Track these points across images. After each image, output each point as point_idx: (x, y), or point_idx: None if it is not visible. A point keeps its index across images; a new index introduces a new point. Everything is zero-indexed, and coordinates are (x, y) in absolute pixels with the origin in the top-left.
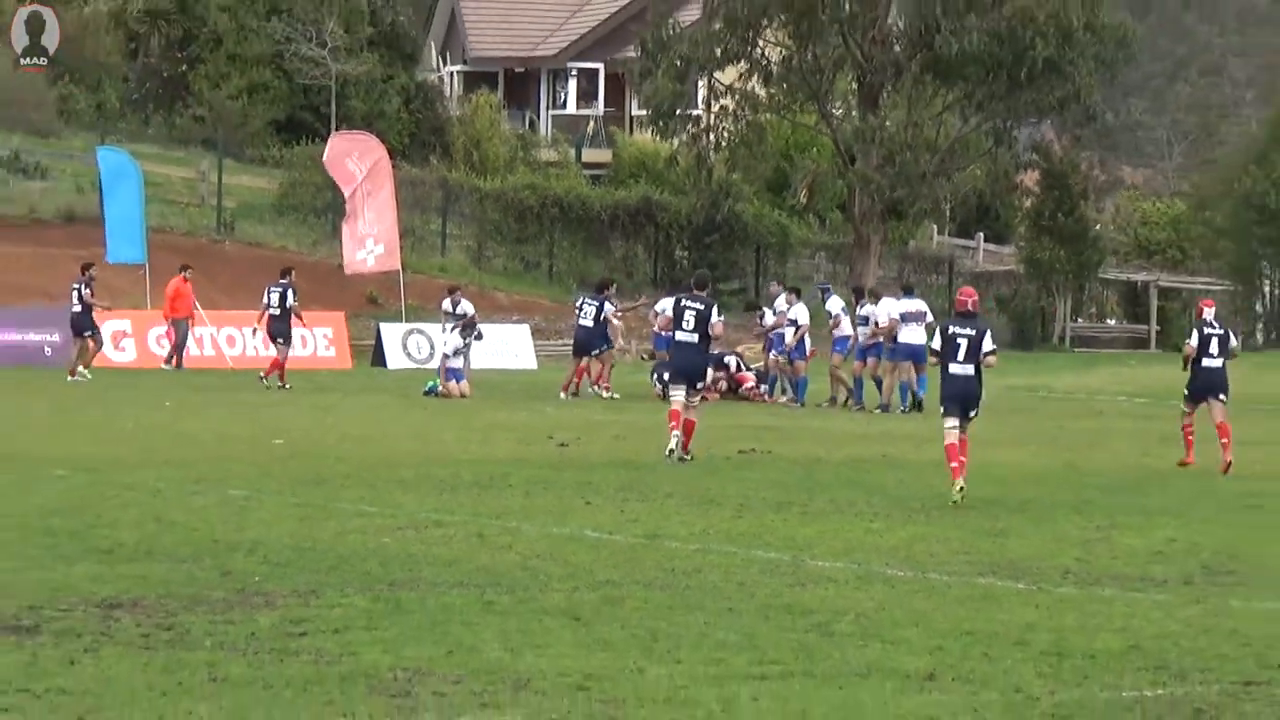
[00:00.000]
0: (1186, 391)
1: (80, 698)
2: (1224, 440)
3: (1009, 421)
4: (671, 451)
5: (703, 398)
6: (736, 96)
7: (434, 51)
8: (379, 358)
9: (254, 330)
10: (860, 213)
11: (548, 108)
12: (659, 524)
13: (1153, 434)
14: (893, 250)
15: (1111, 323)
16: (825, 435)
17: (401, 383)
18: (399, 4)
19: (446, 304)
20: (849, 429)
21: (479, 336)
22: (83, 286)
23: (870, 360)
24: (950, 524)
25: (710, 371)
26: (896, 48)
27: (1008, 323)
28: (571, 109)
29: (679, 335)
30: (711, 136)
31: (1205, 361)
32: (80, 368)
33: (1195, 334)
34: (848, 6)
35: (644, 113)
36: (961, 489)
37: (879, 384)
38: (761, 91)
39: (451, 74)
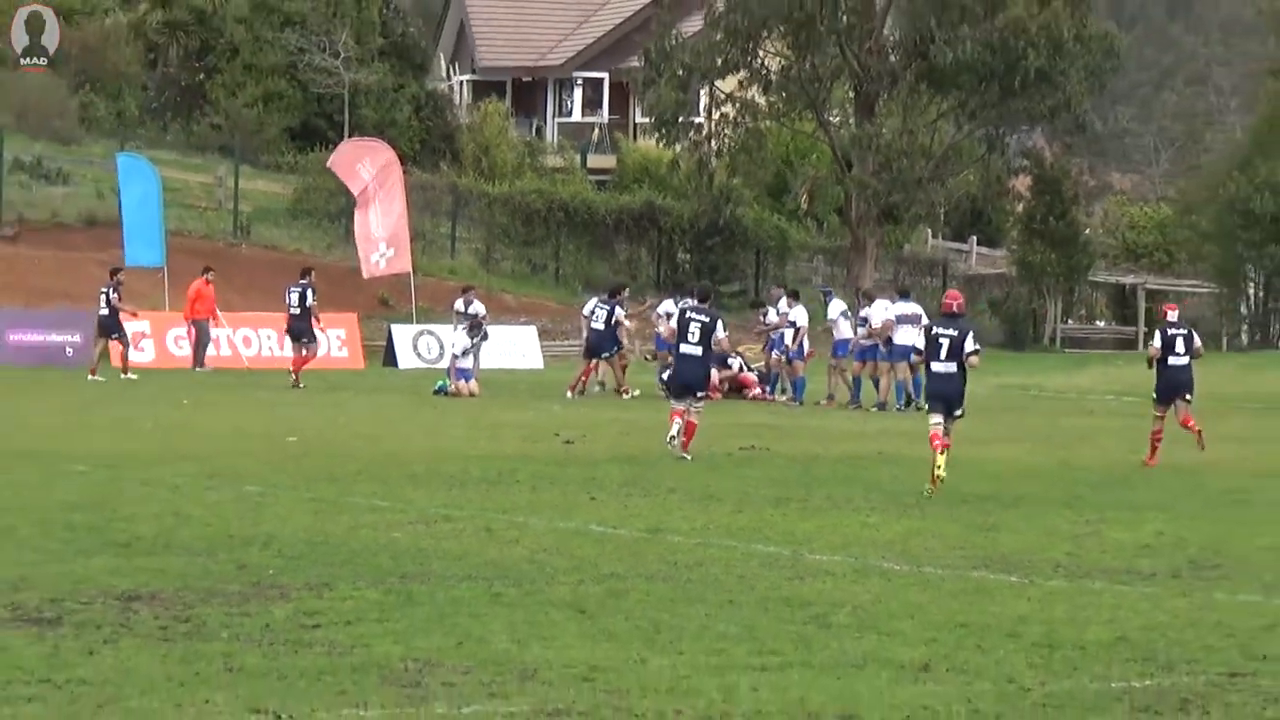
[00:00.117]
0: (1155, 394)
1: (100, 687)
2: (1195, 431)
3: (1002, 420)
4: (673, 438)
5: (706, 396)
6: (737, 105)
7: (444, 61)
8: (390, 358)
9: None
10: (857, 217)
11: (554, 115)
12: (661, 519)
13: (1141, 432)
14: (888, 253)
15: (1101, 324)
16: (823, 433)
17: (412, 382)
18: (409, 16)
19: (459, 304)
20: (846, 427)
21: (484, 337)
22: (111, 291)
23: (869, 362)
24: (944, 519)
25: (715, 372)
26: (892, 57)
27: (1000, 324)
28: (577, 117)
29: (684, 348)
30: (712, 143)
31: (1170, 360)
32: (94, 371)
33: (1158, 335)
34: (845, 18)
35: (647, 120)
36: (940, 468)
37: (876, 383)
38: (761, 100)
39: (461, 83)
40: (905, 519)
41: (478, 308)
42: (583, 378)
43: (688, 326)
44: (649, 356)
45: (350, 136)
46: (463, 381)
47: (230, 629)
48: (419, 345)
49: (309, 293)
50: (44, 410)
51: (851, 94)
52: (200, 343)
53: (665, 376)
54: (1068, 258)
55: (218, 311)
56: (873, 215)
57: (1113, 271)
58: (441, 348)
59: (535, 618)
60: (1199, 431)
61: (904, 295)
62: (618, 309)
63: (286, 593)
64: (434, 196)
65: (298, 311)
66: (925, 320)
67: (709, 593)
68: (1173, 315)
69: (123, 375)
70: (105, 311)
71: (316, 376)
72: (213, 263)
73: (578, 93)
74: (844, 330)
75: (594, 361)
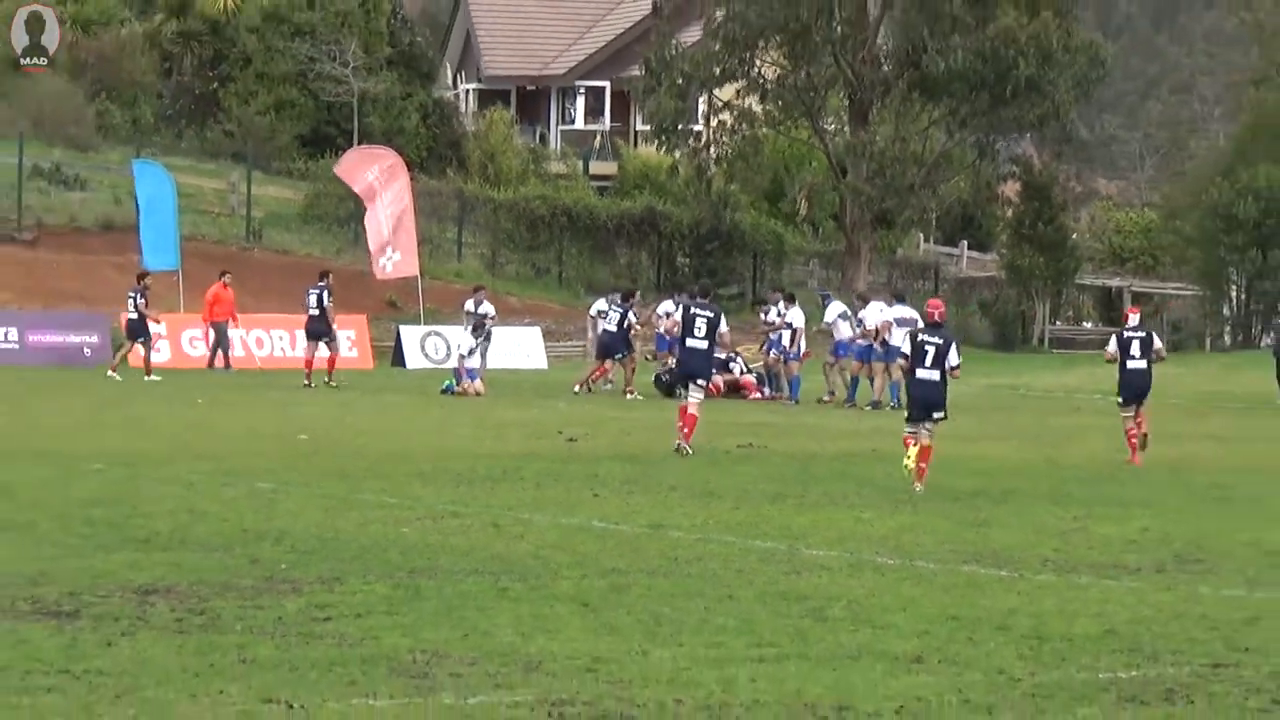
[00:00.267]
0: (1120, 398)
1: (118, 678)
2: (1139, 431)
3: (992, 418)
4: (679, 447)
5: (707, 387)
6: (734, 113)
7: (450, 70)
8: (398, 358)
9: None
10: (851, 222)
11: (557, 123)
12: (662, 515)
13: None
14: (882, 257)
15: (1088, 325)
16: (819, 431)
17: (420, 382)
18: (417, 26)
19: (469, 303)
20: (841, 425)
21: (487, 338)
22: (138, 295)
23: (866, 363)
24: (936, 514)
25: (717, 376)
26: (885, 67)
27: (990, 325)
28: (580, 124)
29: (690, 341)
30: (711, 150)
31: (1129, 364)
32: (113, 368)
33: (1114, 339)
34: (839, 28)
35: (648, 128)
36: (910, 459)
37: (871, 382)
38: (758, 108)
39: (467, 92)
40: (898, 515)
41: (487, 308)
42: (595, 376)
43: (693, 321)
44: (649, 356)
45: (359, 144)
46: (469, 381)
47: (244, 622)
48: (426, 346)
49: (325, 294)
50: (62, 410)
51: (846, 102)
52: (219, 344)
53: (664, 377)
54: (1056, 261)
55: (236, 313)
56: (867, 220)
57: (1099, 274)
58: (448, 348)
59: (540, 611)
60: (1136, 455)
61: (899, 299)
62: (630, 313)
63: (298, 587)
64: (441, 202)
65: (316, 313)
66: (920, 324)
67: (708, 587)
68: (1133, 319)
69: (146, 377)
70: (133, 315)
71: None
72: (226, 266)
73: (580, 101)
74: (843, 331)
75: (607, 362)
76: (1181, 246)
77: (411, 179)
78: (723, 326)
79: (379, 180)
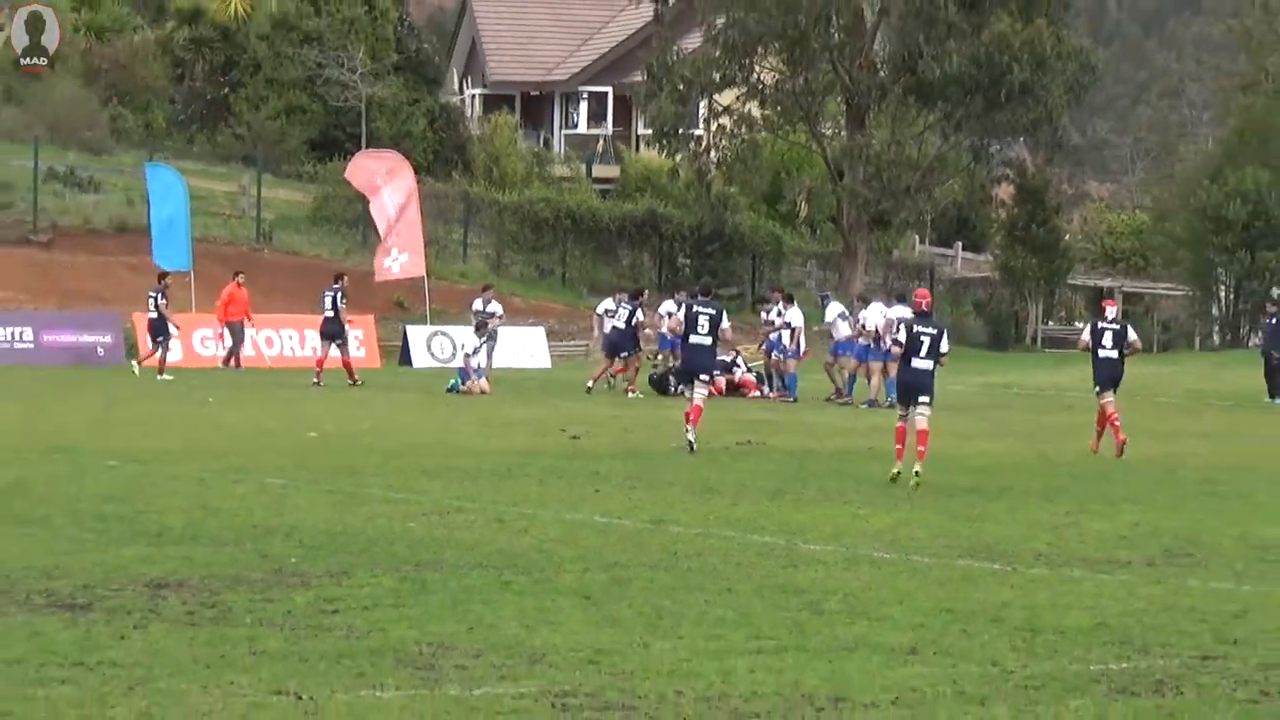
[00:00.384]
0: (1095, 385)
1: (130, 670)
2: (1114, 423)
3: (986, 416)
4: (691, 445)
5: (712, 380)
6: (734, 117)
7: (456, 76)
8: (405, 357)
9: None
10: (848, 224)
11: (561, 127)
12: (663, 510)
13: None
14: (878, 258)
15: (1079, 325)
16: (816, 429)
17: (426, 381)
18: (423, 33)
19: (478, 303)
20: (838, 423)
21: (490, 338)
22: (159, 295)
23: (864, 362)
24: (931, 510)
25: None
26: (881, 72)
27: (984, 325)
28: (583, 129)
29: (693, 338)
30: (711, 154)
31: (1100, 353)
32: (155, 367)
33: (1089, 329)
34: (836, 35)
35: (649, 132)
36: (899, 473)
37: (869, 381)
38: (757, 113)
39: (472, 97)
40: (894, 510)
41: (495, 307)
42: (612, 374)
43: (696, 319)
44: (653, 356)
45: (367, 148)
46: (474, 379)
47: (254, 614)
48: (433, 345)
49: (339, 296)
50: (76, 408)
51: (843, 107)
52: (236, 343)
53: (656, 376)
54: (1048, 262)
55: (250, 313)
56: (863, 222)
57: (1091, 275)
58: (454, 348)
59: (543, 604)
60: (1114, 422)
61: (899, 299)
62: (638, 312)
63: (307, 580)
64: (447, 205)
65: (331, 314)
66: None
67: (708, 581)
68: (1110, 311)
69: (159, 376)
70: (154, 315)
71: (335, 375)
72: (237, 267)
73: (583, 106)
74: (842, 331)
75: (616, 362)
76: (1171, 248)
77: (418, 182)
78: (725, 323)
79: (383, 179)
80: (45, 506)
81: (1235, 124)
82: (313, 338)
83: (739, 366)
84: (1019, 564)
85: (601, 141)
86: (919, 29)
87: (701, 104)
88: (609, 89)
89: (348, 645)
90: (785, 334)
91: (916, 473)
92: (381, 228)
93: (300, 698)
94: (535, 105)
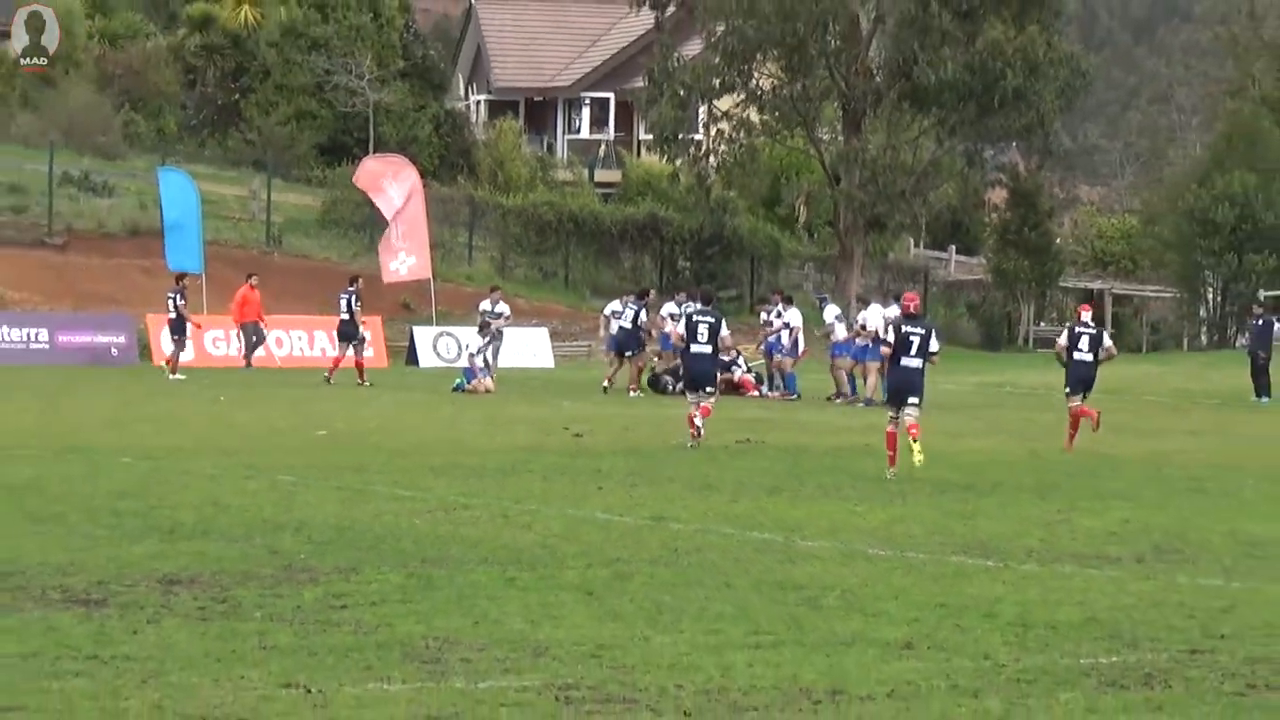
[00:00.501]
0: (1066, 387)
1: (143, 663)
2: (1085, 412)
3: (979, 415)
4: (693, 439)
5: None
6: (733, 122)
7: (462, 82)
8: (412, 358)
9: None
10: (845, 227)
11: (564, 133)
12: (663, 507)
13: (1107, 425)
14: (874, 261)
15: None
16: (813, 427)
17: (432, 380)
18: (429, 40)
19: (485, 303)
20: (835, 421)
21: (493, 338)
22: (177, 296)
23: (860, 361)
24: (926, 507)
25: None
26: (877, 78)
27: (977, 326)
28: (585, 134)
29: (694, 348)
30: (711, 158)
31: (1076, 356)
32: (173, 371)
33: (1066, 333)
34: (833, 42)
35: (650, 137)
36: (894, 474)
37: (865, 381)
38: (756, 118)
39: (477, 102)
40: (889, 507)
41: (502, 308)
42: (635, 373)
43: (696, 328)
44: (656, 357)
45: (374, 152)
46: (480, 379)
47: (264, 609)
48: (439, 346)
49: (353, 299)
50: (90, 407)
51: (840, 112)
52: (252, 343)
53: (657, 376)
54: (1040, 265)
55: (263, 314)
56: (860, 225)
57: (1081, 277)
58: (459, 348)
59: (547, 599)
60: (1094, 415)
61: (897, 301)
62: (643, 312)
63: (316, 576)
64: (452, 208)
65: (346, 316)
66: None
67: (707, 576)
68: (1085, 315)
69: (171, 376)
70: (173, 315)
71: (344, 375)
72: (249, 270)
73: (585, 112)
74: (840, 332)
75: (623, 358)
76: (1160, 250)
77: (424, 186)
78: (723, 330)
79: (388, 180)
80: (61, 504)
81: (1223, 129)
82: (322, 339)
83: (739, 366)
84: (1011, 560)
85: (603, 146)
86: (914, 36)
87: (701, 109)
88: (611, 95)
89: (356, 640)
90: (784, 334)
91: (915, 452)
92: (389, 216)
93: (309, 691)
94: (539, 111)
